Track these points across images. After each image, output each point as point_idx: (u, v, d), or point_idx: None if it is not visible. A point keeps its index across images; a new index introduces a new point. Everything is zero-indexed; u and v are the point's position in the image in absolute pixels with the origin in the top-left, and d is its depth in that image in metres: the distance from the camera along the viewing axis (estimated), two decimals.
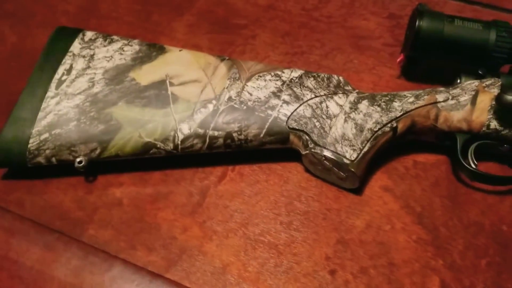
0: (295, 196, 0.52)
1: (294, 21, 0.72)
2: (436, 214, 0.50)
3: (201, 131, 0.51)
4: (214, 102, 0.52)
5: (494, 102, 0.50)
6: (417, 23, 0.55)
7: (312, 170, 0.53)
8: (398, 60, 0.60)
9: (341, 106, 0.52)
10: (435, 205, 0.51)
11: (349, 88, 0.54)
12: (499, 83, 0.53)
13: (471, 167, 0.52)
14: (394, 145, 0.54)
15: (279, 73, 0.54)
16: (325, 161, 0.50)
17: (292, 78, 0.54)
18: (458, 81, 0.54)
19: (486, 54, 0.54)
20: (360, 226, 0.50)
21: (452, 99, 0.52)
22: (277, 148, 0.53)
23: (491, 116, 0.51)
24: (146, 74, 0.54)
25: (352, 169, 0.49)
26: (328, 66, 0.65)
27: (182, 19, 0.72)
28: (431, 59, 0.58)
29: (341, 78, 0.55)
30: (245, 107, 0.52)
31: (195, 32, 0.70)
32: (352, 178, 0.50)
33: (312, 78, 0.54)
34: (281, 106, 0.52)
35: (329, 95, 0.53)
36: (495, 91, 0.52)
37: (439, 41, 0.55)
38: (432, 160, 0.55)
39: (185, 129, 0.51)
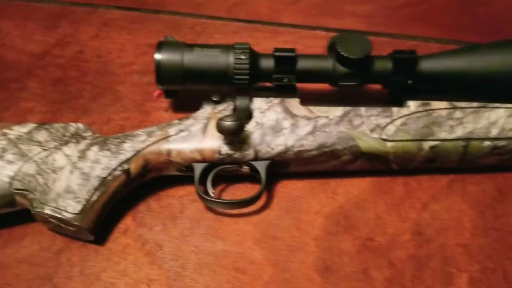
0: (35, 259, 0.49)
1: (68, 66, 0.70)
2: (174, 250, 0.49)
3: None
4: None
5: None
6: (155, 56, 0.54)
7: (50, 227, 0.50)
8: (156, 94, 0.59)
9: (69, 156, 0.50)
10: (176, 240, 0.50)
11: (88, 134, 0.52)
12: (232, 107, 0.53)
13: (207, 195, 0.51)
14: (145, 183, 0.53)
15: (7, 131, 0.51)
16: (49, 219, 0.48)
17: (20, 135, 0.51)
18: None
19: (229, 77, 0.54)
20: (105, 280, 0.47)
21: (184, 130, 0.51)
22: (8, 212, 0.49)
23: (221, 141, 0.51)
24: None
25: (76, 223, 0.47)
26: (95, 109, 0.63)
27: None
28: (184, 88, 0.57)
29: (80, 125, 0.53)
30: None
31: None
32: (83, 231, 0.48)
33: (44, 131, 0.52)
34: (4, 167, 0.49)
35: (59, 147, 0.50)
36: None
37: (181, 71, 0.54)
38: (183, 192, 0.54)
39: None
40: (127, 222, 0.51)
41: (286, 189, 0.54)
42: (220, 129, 0.48)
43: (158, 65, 0.54)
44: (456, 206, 0.53)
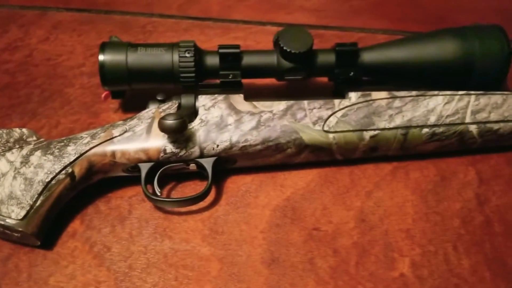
0: None
1: (16, 70, 0.69)
2: (122, 251, 0.49)
3: None
4: None
5: None
6: (99, 57, 0.54)
7: None
8: (103, 95, 0.59)
9: (11, 162, 0.49)
10: (124, 241, 0.50)
11: (32, 139, 0.52)
12: (176, 105, 0.53)
13: (155, 195, 0.51)
14: (92, 186, 0.53)
15: None
16: None
17: None
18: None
19: (174, 76, 0.54)
20: (53, 284, 0.48)
21: (128, 131, 0.52)
22: None
23: (166, 140, 0.51)
24: None
25: (20, 229, 0.47)
26: (43, 113, 0.63)
27: None
28: (131, 88, 0.57)
29: (24, 130, 0.53)
30: None
31: None
32: (28, 237, 0.48)
33: None
34: None
35: (1, 153, 0.50)
36: None
37: (126, 72, 0.54)
38: (131, 193, 0.54)
39: None
40: (75, 225, 0.51)
41: (235, 184, 0.55)
42: (162, 128, 0.48)
43: (102, 66, 0.54)
44: (399, 193, 0.54)
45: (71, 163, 0.50)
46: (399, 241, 0.50)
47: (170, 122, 0.48)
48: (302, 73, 0.55)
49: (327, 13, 0.77)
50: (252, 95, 0.54)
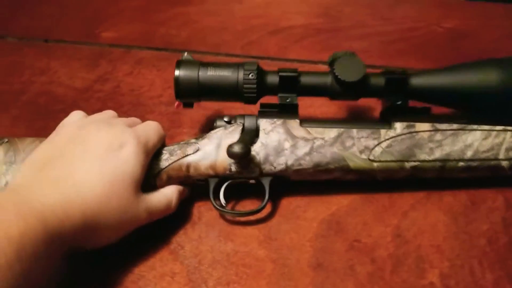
0: None
1: (107, 98, 0.83)
2: (193, 249, 0.60)
3: None
4: None
5: None
6: (175, 73, 0.63)
7: None
8: (175, 105, 0.69)
9: None
10: (194, 241, 0.61)
11: None
12: (240, 128, 0.63)
13: (220, 206, 0.61)
14: None
15: None
16: None
17: None
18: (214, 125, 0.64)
19: (239, 93, 0.63)
20: (137, 273, 0.58)
21: (200, 149, 0.62)
22: None
23: (231, 161, 0.62)
24: None
25: None
26: None
27: (6, 113, 0.81)
28: (200, 101, 0.66)
29: None
30: None
31: (17, 124, 0.79)
32: None
33: None
34: None
35: None
36: (236, 136, 0.61)
37: (197, 87, 0.63)
38: (200, 203, 0.65)
39: None
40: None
41: (287, 200, 0.64)
42: (230, 154, 0.58)
43: (177, 80, 0.63)
44: (433, 214, 0.62)
45: (154, 176, 0.61)
46: (430, 255, 0.58)
47: (236, 151, 0.57)
48: (354, 96, 0.64)
49: (374, 53, 0.86)
50: (306, 116, 0.63)
